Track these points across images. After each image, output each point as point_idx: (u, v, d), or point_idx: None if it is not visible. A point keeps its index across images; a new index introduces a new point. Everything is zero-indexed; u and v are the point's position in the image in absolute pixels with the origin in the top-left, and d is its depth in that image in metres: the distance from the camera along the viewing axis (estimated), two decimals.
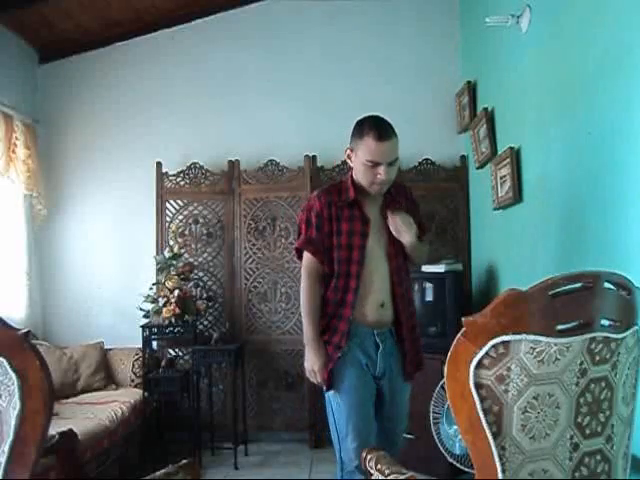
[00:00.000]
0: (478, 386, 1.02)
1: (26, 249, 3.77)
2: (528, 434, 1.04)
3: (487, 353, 1.02)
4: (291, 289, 3.82)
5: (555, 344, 1.03)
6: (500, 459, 1.03)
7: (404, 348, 1.99)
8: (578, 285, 1.07)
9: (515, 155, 2.72)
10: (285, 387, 3.80)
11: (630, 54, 1.66)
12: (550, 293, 1.03)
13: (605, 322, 1.10)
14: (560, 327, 1.04)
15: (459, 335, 1.04)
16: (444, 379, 1.07)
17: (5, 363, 1.14)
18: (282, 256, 3.84)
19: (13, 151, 3.59)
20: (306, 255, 1.98)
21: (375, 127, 1.86)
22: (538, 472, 1.06)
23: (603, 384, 1.11)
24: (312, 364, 1.96)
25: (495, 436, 1.03)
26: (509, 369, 1.02)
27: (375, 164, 1.86)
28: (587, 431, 1.10)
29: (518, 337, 1.02)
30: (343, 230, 1.94)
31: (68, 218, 4.05)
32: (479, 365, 1.02)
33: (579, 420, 1.09)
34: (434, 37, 4.00)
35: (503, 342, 1.02)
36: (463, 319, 1.04)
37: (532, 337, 1.02)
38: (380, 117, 1.93)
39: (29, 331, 1.18)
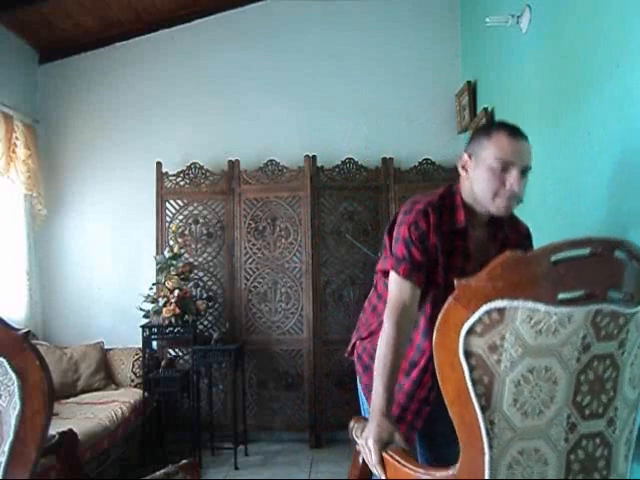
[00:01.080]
0: (468, 354, 0.94)
1: (26, 249, 3.77)
2: (520, 409, 0.96)
3: (480, 319, 0.93)
4: (291, 289, 3.82)
5: (555, 314, 0.94)
6: (487, 434, 0.95)
7: None
8: (585, 252, 0.97)
9: None
10: (285, 387, 3.80)
11: (630, 54, 1.66)
12: (553, 259, 0.94)
13: (614, 294, 1.01)
14: (562, 296, 0.95)
15: (450, 298, 0.95)
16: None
17: (5, 363, 1.14)
18: (282, 256, 3.83)
19: (13, 151, 3.59)
20: (405, 285, 1.46)
21: (508, 125, 1.48)
22: (528, 451, 0.99)
23: (608, 362, 1.01)
24: (366, 436, 1.31)
25: (484, 409, 0.95)
26: (503, 338, 0.94)
27: (506, 166, 1.42)
28: (587, 412, 1.02)
29: (514, 303, 0.93)
30: (440, 263, 1.50)
31: (68, 218, 4.05)
32: (470, 332, 0.94)
33: (578, 399, 1.00)
34: (434, 37, 4.00)
35: (498, 308, 0.93)
36: (455, 281, 0.95)
37: (530, 304, 0.93)
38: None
39: (29, 331, 1.18)
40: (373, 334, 1.69)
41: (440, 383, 0.97)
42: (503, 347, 0.94)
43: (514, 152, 1.42)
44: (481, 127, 1.57)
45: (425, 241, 1.47)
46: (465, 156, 1.52)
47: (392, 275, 1.48)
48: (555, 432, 1.00)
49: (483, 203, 1.47)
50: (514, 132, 1.45)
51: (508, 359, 0.94)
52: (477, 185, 1.47)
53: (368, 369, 1.67)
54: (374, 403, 1.37)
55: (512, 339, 0.94)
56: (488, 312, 0.93)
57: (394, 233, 1.53)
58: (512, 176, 1.42)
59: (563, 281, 0.95)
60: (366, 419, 1.31)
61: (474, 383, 0.94)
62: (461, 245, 1.52)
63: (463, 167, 1.52)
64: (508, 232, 1.55)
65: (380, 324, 1.62)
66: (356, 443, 1.31)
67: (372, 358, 1.62)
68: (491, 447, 0.95)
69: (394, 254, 1.49)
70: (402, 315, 1.43)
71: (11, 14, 3.52)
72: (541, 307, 0.93)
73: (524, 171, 1.44)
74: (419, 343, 1.56)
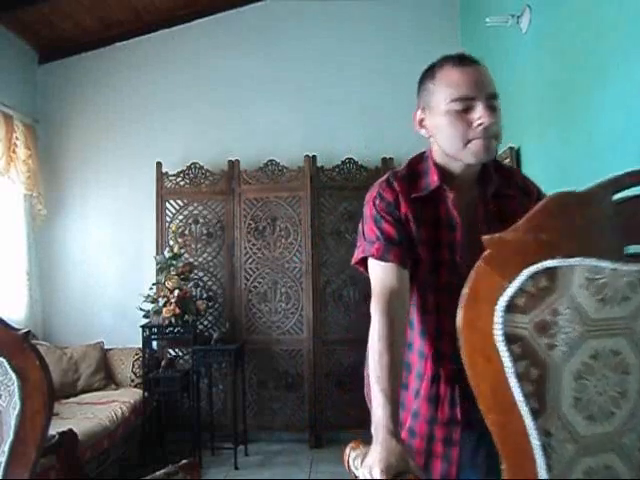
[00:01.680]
0: (509, 339, 0.68)
1: (26, 249, 3.77)
2: (583, 412, 0.70)
3: (522, 289, 0.68)
4: (291, 289, 3.82)
5: (624, 275, 0.68)
6: (544, 450, 0.68)
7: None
8: None
9: (515, 155, 2.72)
10: (285, 387, 3.80)
11: (629, 54, 1.66)
12: (615, 198, 0.70)
13: None
14: (630, 250, 0.71)
15: (479, 262, 0.70)
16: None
17: (5, 363, 1.14)
18: (282, 256, 3.83)
19: (13, 151, 3.59)
20: (384, 267, 1.18)
21: (451, 56, 1.23)
22: (597, 469, 0.72)
23: None
24: (370, 465, 0.94)
25: (536, 415, 0.68)
26: (555, 312, 0.69)
27: (467, 103, 1.14)
28: None
29: (569, 262, 0.67)
30: (423, 239, 1.22)
31: (68, 218, 4.05)
32: (510, 307, 0.68)
33: None
34: (434, 37, 3.99)
35: (547, 270, 0.68)
36: (484, 238, 0.70)
37: (590, 262, 0.68)
38: None
39: (29, 331, 1.18)
40: None
41: (471, 381, 0.72)
42: (557, 325, 0.69)
43: (470, 83, 1.15)
44: (425, 70, 1.29)
45: (395, 211, 1.21)
46: (418, 112, 1.25)
47: (369, 262, 1.23)
48: (629, 440, 0.74)
49: (456, 155, 1.19)
50: (461, 60, 1.19)
51: (565, 342, 0.69)
52: (441, 137, 1.20)
53: None
54: (376, 419, 1.03)
55: (569, 313, 0.69)
56: (533, 277, 0.68)
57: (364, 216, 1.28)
58: (478, 111, 1.13)
59: (631, 228, 0.70)
60: (366, 444, 1.02)
61: (520, 379, 0.69)
62: (444, 212, 1.23)
63: (420, 125, 1.26)
64: (501, 188, 1.25)
65: None
66: (355, 477, 0.99)
67: None
68: (549, 468, 0.69)
69: (366, 238, 1.24)
70: (390, 301, 1.14)
71: (11, 14, 3.52)
72: (605, 265, 0.68)
73: (491, 104, 1.15)
74: (420, 347, 1.26)
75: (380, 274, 1.18)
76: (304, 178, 3.81)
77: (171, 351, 3.73)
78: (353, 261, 1.28)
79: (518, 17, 2.56)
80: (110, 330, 3.85)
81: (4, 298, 3.56)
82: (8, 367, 1.13)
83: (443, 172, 1.23)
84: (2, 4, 3.34)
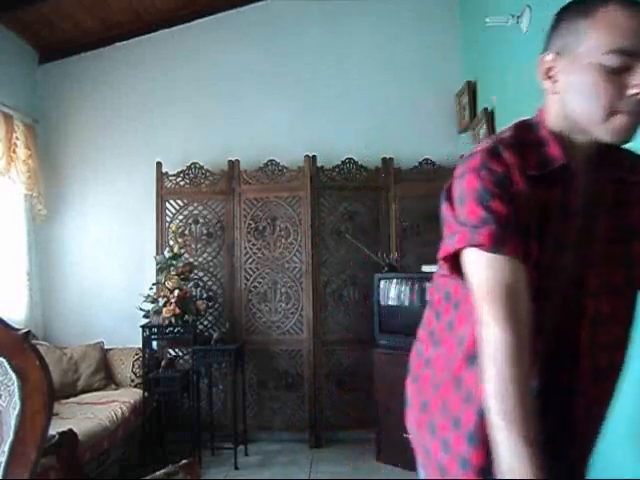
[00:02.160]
0: None
1: (26, 249, 3.77)
2: None
3: None
4: (291, 289, 3.81)
5: None
6: None
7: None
8: None
9: None
10: (285, 387, 3.80)
11: None
12: None
13: None
14: None
15: None
16: None
17: (5, 363, 1.14)
18: (282, 256, 3.83)
19: (14, 151, 3.59)
20: (499, 261, 0.87)
21: None
22: None
23: None
24: None
25: None
26: None
27: (628, 60, 0.84)
28: None
29: None
30: (532, 228, 0.91)
31: (68, 218, 4.05)
32: None
33: None
34: (434, 37, 4.00)
35: None
36: None
37: None
38: None
39: (29, 331, 1.18)
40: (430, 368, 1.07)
41: None
42: None
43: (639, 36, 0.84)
44: (569, 4, 0.96)
45: (507, 186, 0.89)
46: (549, 56, 0.93)
47: (470, 256, 0.90)
48: None
49: (588, 127, 0.90)
50: (633, 4, 0.86)
51: None
52: (575, 99, 0.90)
53: (436, 435, 1.02)
54: (520, 467, 0.77)
55: None
56: None
57: (454, 194, 0.94)
58: (638, 76, 0.84)
59: None
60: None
61: None
62: (557, 196, 0.93)
63: (547, 75, 0.94)
64: (626, 173, 0.97)
65: (446, 351, 1.03)
66: None
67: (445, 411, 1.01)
68: None
69: (462, 222, 0.90)
70: (516, 306, 0.85)
71: (11, 14, 3.52)
72: None
73: None
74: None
75: (493, 270, 0.86)
76: (304, 178, 3.81)
77: (171, 351, 3.73)
78: (443, 253, 0.95)
79: (518, 17, 2.55)
80: (110, 330, 3.85)
81: (4, 298, 3.56)
82: (8, 367, 1.13)
83: (562, 144, 0.94)
84: (2, 4, 3.34)
